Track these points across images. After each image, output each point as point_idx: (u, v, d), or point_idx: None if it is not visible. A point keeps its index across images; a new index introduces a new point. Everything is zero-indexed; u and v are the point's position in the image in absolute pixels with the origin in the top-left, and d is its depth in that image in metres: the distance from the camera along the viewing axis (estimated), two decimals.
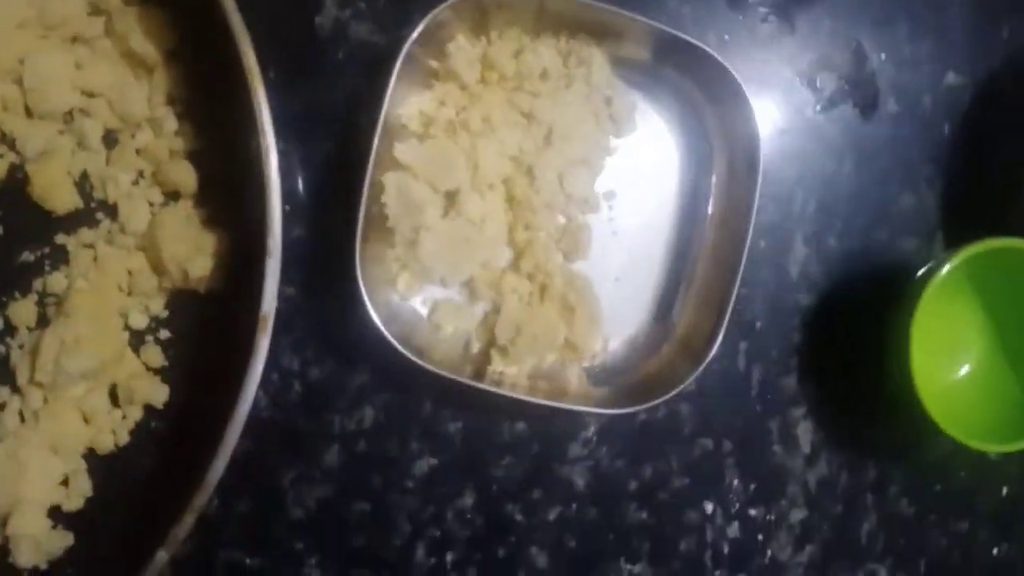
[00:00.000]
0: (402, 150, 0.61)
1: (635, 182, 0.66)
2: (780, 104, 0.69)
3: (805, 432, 0.69)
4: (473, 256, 0.63)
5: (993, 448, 0.66)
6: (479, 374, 0.63)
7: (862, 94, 0.70)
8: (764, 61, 0.69)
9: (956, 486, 0.71)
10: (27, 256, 0.61)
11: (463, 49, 0.62)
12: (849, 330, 0.69)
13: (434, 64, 0.62)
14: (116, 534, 0.59)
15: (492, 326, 0.63)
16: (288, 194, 0.63)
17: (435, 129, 0.62)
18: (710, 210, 0.66)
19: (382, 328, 0.58)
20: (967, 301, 0.69)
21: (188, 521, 0.53)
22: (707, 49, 0.60)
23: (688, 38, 0.60)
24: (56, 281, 0.61)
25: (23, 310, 0.60)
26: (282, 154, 0.62)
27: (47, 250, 0.62)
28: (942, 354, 0.69)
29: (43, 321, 0.61)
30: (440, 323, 0.64)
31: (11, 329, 0.61)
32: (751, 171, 0.62)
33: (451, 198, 0.63)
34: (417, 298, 0.64)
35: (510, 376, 0.63)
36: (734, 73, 0.61)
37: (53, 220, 0.62)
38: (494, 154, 0.63)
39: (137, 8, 0.61)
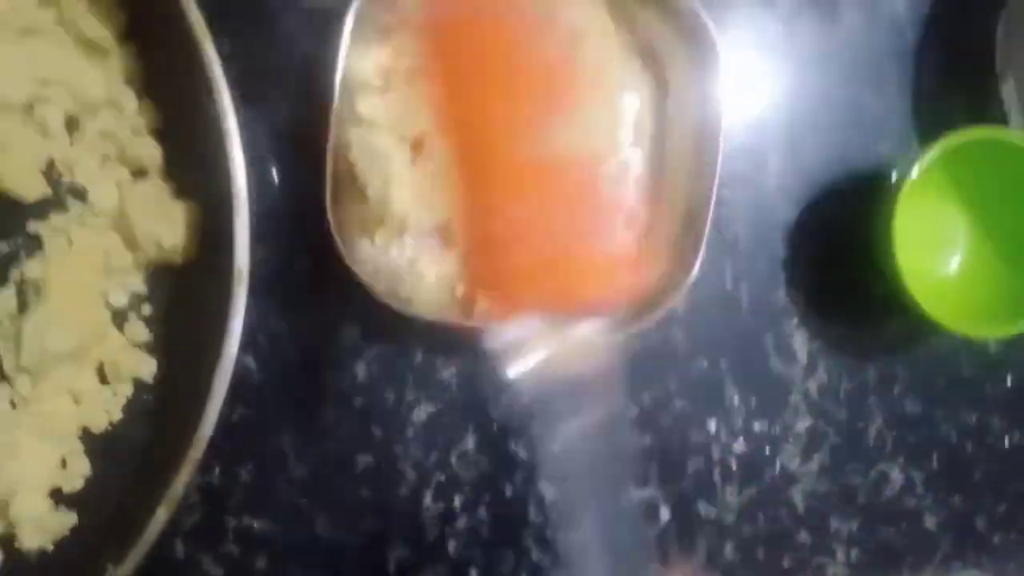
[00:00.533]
0: (364, 104, 0.60)
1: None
2: (740, 21, 0.69)
3: (800, 342, 0.68)
4: (445, 198, 0.62)
5: (991, 334, 0.65)
6: (467, 316, 0.62)
7: (822, 6, 0.69)
8: None
9: (960, 379, 0.70)
10: (1, 247, 0.61)
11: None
12: (834, 238, 0.69)
13: (387, 17, 0.62)
14: (118, 508, 0.59)
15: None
16: (255, 162, 0.63)
17: (395, 80, 0.62)
18: (680, 133, 0.65)
19: (365, 280, 0.58)
20: (950, 195, 0.68)
21: (185, 473, 0.52)
22: None
23: None
24: (33, 268, 0.61)
25: (2, 300, 0.60)
26: (245, 126, 0.62)
27: (20, 239, 0.61)
28: (930, 249, 0.69)
29: (24, 309, 0.60)
30: (421, 271, 0.63)
31: None
32: (713, 87, 0.61)
33: (418, 145, 0.62)
34: (395, 250, 0.63)
35: None
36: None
37: (23, 208, 0.61)
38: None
39: None
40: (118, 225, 0.61)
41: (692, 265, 0.60)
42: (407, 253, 0.63)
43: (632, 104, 0.65)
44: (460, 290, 0.64)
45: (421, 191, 0.61)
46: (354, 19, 0.58)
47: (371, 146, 0.60)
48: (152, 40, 0.62)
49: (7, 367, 0.60)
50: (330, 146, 0.58)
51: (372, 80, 0.62)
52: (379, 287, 0.59)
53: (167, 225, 0.60)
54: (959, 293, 0.67)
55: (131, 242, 0.61)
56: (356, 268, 0.58)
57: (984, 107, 0.68)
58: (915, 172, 0.62)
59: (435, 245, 0.64)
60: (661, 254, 0.64)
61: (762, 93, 0.69)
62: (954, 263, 0.69)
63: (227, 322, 0.54)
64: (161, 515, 0.52)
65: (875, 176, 0.68)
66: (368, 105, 0.61)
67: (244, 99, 0.62)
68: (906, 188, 0.62)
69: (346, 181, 0.61)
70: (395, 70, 0.62)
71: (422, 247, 0.63)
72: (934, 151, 0.62)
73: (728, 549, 0.68)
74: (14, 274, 0.61)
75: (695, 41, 0.62)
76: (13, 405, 0.59)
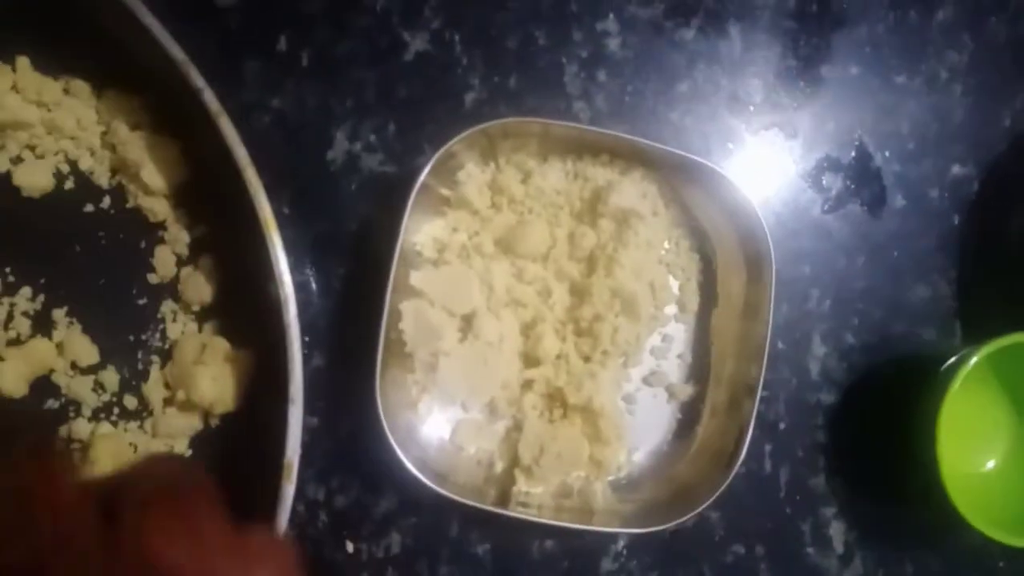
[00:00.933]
0: (417, 277, 0.61)
1: None
2: (788, 206, 0.69)
3: (837, 531, 0.68)
4: (492, 377, 0.63)
5: (1021, 543, 0.64)
6: (504, 494, 0.63)
7: (868, 191, 0.70)
8: (769, 165, 0.69)
9: (994, 574, 0.69)
10: (51, 403, 0.62)
11: (473, 177, 0.62)
12: (874, 425, 0.69)
13: (445, 192, 0.63)
14: None
15: (515, 444, 0.63)
16: (308, 324, 0.64)
17: (449, 255, 0.63)
18: (727, 316, 0.66)
19: (402, 457, 0.58)
20: (992, 393, 0.68)
21: None
22: (710, 164, 0.61)
23: (693, 157, 0.61)
24: (80, 427, 0.61)
25: None
26: (299, 286, 0.63)
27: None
28: (969, 447, 0.68)
29: None
30: (462, 444, 0.64)
31: None
32: (764, 273, 0.62)
33: (468, 321, 0.63)
34: (439, 420, 0.64)
35: (536, 495, 0.63)
36: (737, 185, 0.61)
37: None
38: (508, 275, 0.63)
39: (147, 139, 0.62)
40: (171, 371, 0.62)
41: (738, 451, 0.61)
42: (450, 424, 0.64)
43: (677, 280, 0.66)
44: (499, 467, 0.64)
45: (469, 368, 0.62)
46: (418, 190, 0.59)
47: (422, 319, 0.61)
48: (212, 200, 0.63)
49: None
50: (385, 315, 0.59)
51: (427, 252, 0.63)
52: (415, 456, 0.59)
53: (220, 383, 0.61)
54: (994, 494, 0.67)
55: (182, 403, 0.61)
56: (394, 440, 0.58)
57: None
58: (966, 368, 0.62)
59: (478, 418, 0.64)
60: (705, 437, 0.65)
61: (806, 275, 0.69)
62: (991, 463, 0.69)
63: (275, 512, 0.54)
64: None
65: (917, 363, 0.68)
66: (421, 278, 0.61)
67: (299, 259, 0.64)
68: (955, 384, 0.61)
69: (395, 348, 0.61)
70: (449, 245, 0.63)
71: (465, 419, 0.64)
72: (986, 349, 0.62)
73: None
74: (62, 432, 0.61)
75: (744, 225, 0.63)
76: None
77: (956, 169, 0.71)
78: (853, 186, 0.70)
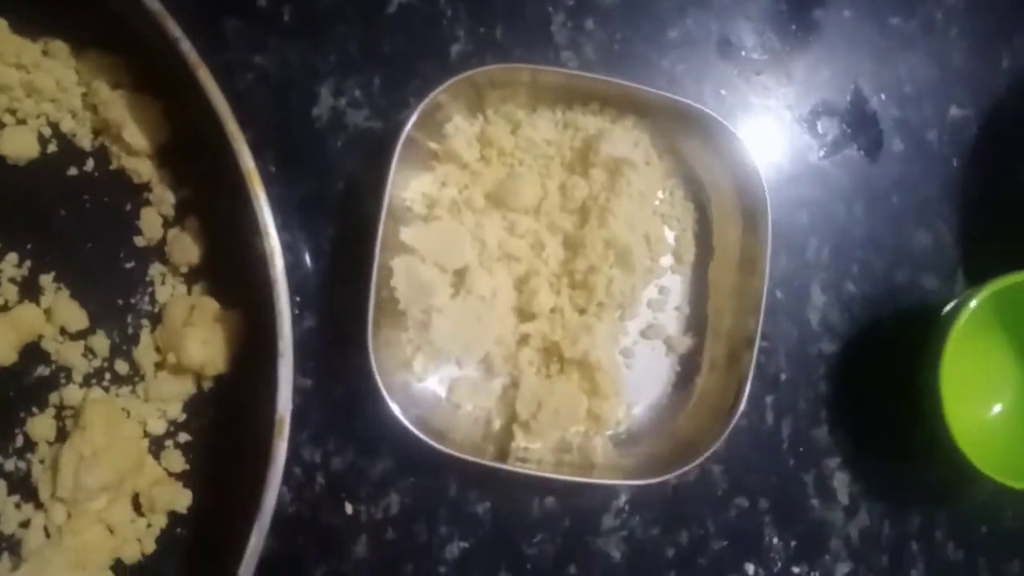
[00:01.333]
0: (408, 233, 0.60)
1: None
2: (784, 153, 0.68)
3: (842, 483, 0.67)
4: (486, 333, 0.61)
5: None
6: (503, 451, 0.61)
7: (865, 136, 0.68)
8: (763, 111, 0.68)
9: (1003, 527, 0.68)
10: (42, 371, 0.61)
11: (461, 129, 0.61)
12: (877, 375, 0.67)
13: (433, 146, 0.62)
14: None
15: (512, 401, 0.62)
16: (298, 285, 0.63)
17: (439, 210, 0.62)
18: (724, 267, 0.64)
19: (399, 415, 0.57)
20: (996, 337, 0.67)
21: None
22: (705, 109, 0.60)
23: (686, 101, 0.60)
24: (71, 393, 0.60)
25: (41, 425, 0.59)
26: (288, 246, 0.63)
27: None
28: (974, 392, 0.66)
29: (62, 435, 0.60)
30: (459, 402, 0.63)
31: (31, 445, 0.60)
32: (760, 223, 0.61)
33: (460, 276, 0.62)
34: (434, 378, 0.63)
35: (535, 451, 0.61)
36: (733, 130, 0.60)
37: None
38: (499, 229, 0.62)
39: (128, 99, 0.61)
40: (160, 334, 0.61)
41: (737, 403, 0.59)
42: (445, 382, 0.63)
43: (673, 231, 0.65)
44: (497, 424, 0.63)
45: (463, 324, 0.61)
46: (403, 144, 0.58)
47: (414, 275, 0.60)
48: (196, 159, 0.62)
49: (43, 496, 0.59)
50: (374, 273, 0.58)
51: (416, 208, 0.62)
52: (412, 416, 0.58)
53: (209, 344, 0.60)
54: (1002, 440, 0.65)
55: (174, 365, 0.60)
56: (390, 398, 0.57)
57: None
58: (965, 312, 0.60)
59: (474, 376, 0.63)
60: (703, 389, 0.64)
61: (804, 224, 0.68)
62: (997, 408, 0.67)
63: (267, 471, 0.53)
64: None
65: (920, 311, 0.66)
66: (412, 234, 0.60)
67: (287, 219, 0.63)
68: (956, 329, 0.60)
69: (387, 307, 0.60)
70: (439, 200, 0.62)
71: (460, 377, 0.63)
72: (986, 291, 0.61)
73: None
74: (53, 398, 0.60)
75: (740, 174, 0.62)
76: (47, 534, 0.59)
77: (954, 111, 0.69)
78: (850, 131, 0.68)
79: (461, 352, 0.62)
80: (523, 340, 0.63)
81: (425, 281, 0.60)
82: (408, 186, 0.62)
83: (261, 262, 0.54)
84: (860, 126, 0.68)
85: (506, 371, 0.63)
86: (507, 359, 0.63)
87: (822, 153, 0.68)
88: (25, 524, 0.59)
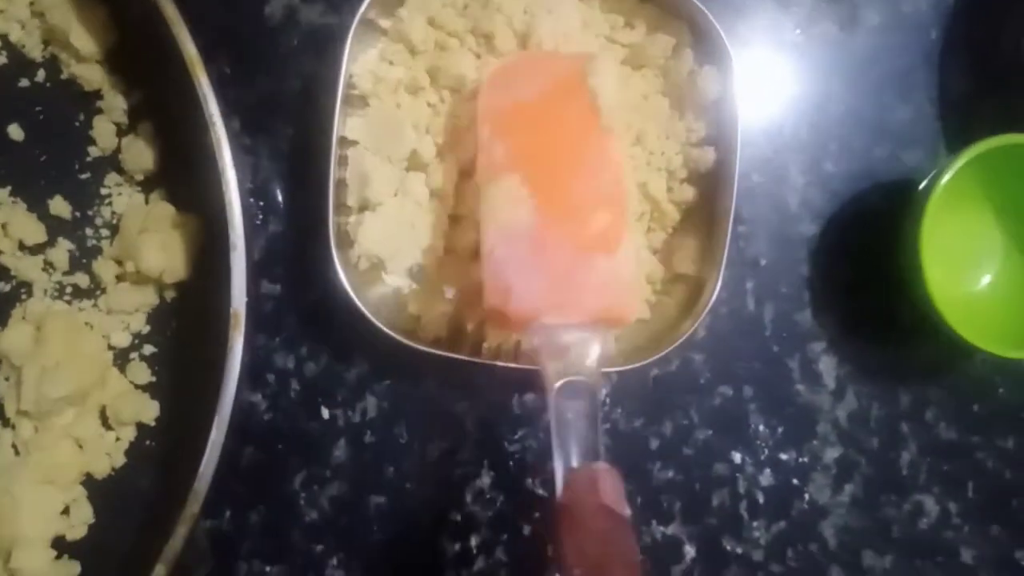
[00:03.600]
0: (349, 125, 0.56)
1: None
2: (756, 30, 0.64)
3: (828, 366, 0.63)
4: (414, 242, 0.58)
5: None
6: (476, 347, 0.58)
7: (840, 9, 0.64)
8: None
9: (997, 403, 0.64)
10: (2, 286, 0.58)
11: (415, 12, 0.57)
12: (860, 255, 0.64)
13: (384, 23, 0.57)
14: (121, 556, 0.56)
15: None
16: (259, 189, 0.60)
17: (383, 89, 0.57)
18: (695, 149, 0.60)
19: (369, 315, 0.54)
20: (979, 206, 0.63)
21: (181, 533, 0.49)
22: None
23: None
24: (33, 307, 0.58)
25: (4, 341, 0.56)
26: (247, 149, 0.60)
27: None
28: (960, 264, 0.63)
29: (26, 350, 0.57)
30: (405, 305, 0.59)
31: None
32: (730, 101, 0.57)
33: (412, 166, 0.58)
34: (396, 275, 0.59)
35: (508, 349, 0.58)
36: (701, 6, 0.55)
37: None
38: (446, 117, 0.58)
39: (74, 4, 0.57)
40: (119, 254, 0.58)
41: (712, 285, 0.56)
42: (400, 290, 0.59)
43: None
44: (470, 326, 0.59)
45: (395, 225, 0.57)
46: (354, 32, 0.54)
47: (357, 167, 0.56)
48: (144, 59, 0.58)
49: (9, 412, 0.56)
50: (332, 171, 0.54)
51: (362, 87, 0.57)
52: (384, 316, 0.55)
53: (168, 250, 0.57)
54: (991, 311, 0.62)
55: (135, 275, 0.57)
56: (358, 299, 0.54)
57: (1019, 111, 0.62)
58: (942, 181, 0.57)
59: (423, 286, 0.59)
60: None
61: (781, 102, 0.64)
62: (985, 280, 0.63)
63: (224, 363, 0.50)
64: (159, 572, 0.48)
65: (902, 187, 0.62)
66: (353, 125, 0.56)
67: (246, 122, 0.59)
68: (934, 199, 0.56)
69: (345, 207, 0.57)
70: (384, 79, 0.57)
71: (404, 284, 0.59)
72: (962, 159, 0.57)
73: None
74: (16, 313, 0.58)
75: (708, 47, 0.58)
76: (16, 451, 0.56)
77: None
78: (823, 5, 0.64)
79: (388, 259, 0.57)
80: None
81: (366, 173, 0.56)
82: (356, 62, 0.57)
83: (211, 156, 0.51)
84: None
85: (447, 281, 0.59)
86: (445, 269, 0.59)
87: (797, 31, 0.64)
88: None
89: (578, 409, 0.47)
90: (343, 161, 0.55)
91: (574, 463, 0.46)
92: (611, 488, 0.46)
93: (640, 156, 0.59)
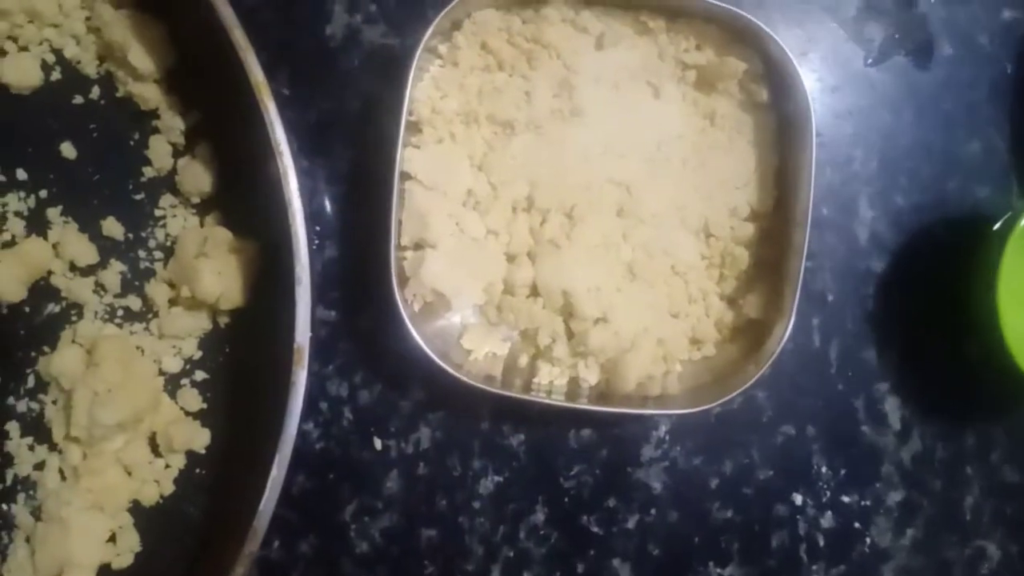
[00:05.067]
0: (407, 159, 0.53)
1: None
2: (828, 60, 0.61)
3: (893, 407, 0.61)
4: (475, 278, 0.55)
5: None
6: (526, 384, 0.56)
7: (914, 40, 0.61)
8: (806, 16, 0.61)
9: None
10: (52, 308, 0.55)
11: (469, 35, 0.55)
12: (928, 291, 0.61)
13: (441, 49, 0.55)
14: None
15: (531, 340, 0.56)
16: (316, 213, 0.57)
17: (440, 122, 0.55)
18: (768, 184, 0.58)
19: (424, 346, 0.51)
20: None
21: (240, 571, 0.46)
22: (744, 15, 0.53)
23: (722, 5, 0.53)
24: (85, 329, 0.55)
25: (53, 364, 0.54)
26: (306, 173, 0.57)
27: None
28: None
29: (76, 374, 0.54)
30: (470, 347, 0.56)
31: (43, 385, 0.55)
32: (804, 134, 0.54)
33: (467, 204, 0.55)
34: (462, 311, 0.56)
35: (560, 385, 0.56)
36: (773, 35, 0.53)
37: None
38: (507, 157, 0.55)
39: (132, 22, 0.54)
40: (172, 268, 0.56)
41: (784, 325, 0.53)
42: (456, 324, 0.57)
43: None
44: (524, 361, 0.57)
45: (454, 263, 0.54)
46: (419, 60, 0.51)
47: (414, 204, 0.53)
48: (206, 80, 0.56)
49: (57, 437, 0.54)
50: (394, 199, 0.52)
51: (421, 115, 0.55)
52: (438, 348, 0.52)
53: (224, 276, 0.54)
54: None
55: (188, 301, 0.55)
56: (415, 330, 0.51)
57: None
58: (1020, 228, 0.54)
59: (481, 322, 0.57)
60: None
61: (851, 135, 0.61)
62: None
63: (286, 402, 0.47)
64: None
65: (972, 223, 0.60)
66: (410, 159, 0.53)
67: (305, 145, 0.57)
68: (1013, 240, 0.54)
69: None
70: (440, 110, 0.55)
71: (468, 322, 0.57)
72: None
73: None
74: (65, 335, 0.55)
75: (779, 76, 0.55)
76: (63, 476, 0.54)
77: (1007, 14, 0.62)
78: (897, 35, 0.61)
79: (451, 296, 0.54)
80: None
81: (423, 214, 0.53)
82: (416, 87, 0.54)
83: (275, 185, 0.48)
84: (908, 29, 0.61)
85: (510, 321, 0.56)
86: (511, 309, 0.56)
87: (869, 60, 0.61)
88: (40, 466, 0.54)
89: None
90: (399, 196, 0.53)
91: None
92: None
93: (702, 190, 0.56)
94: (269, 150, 0.48)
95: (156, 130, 0.56)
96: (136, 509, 0.55)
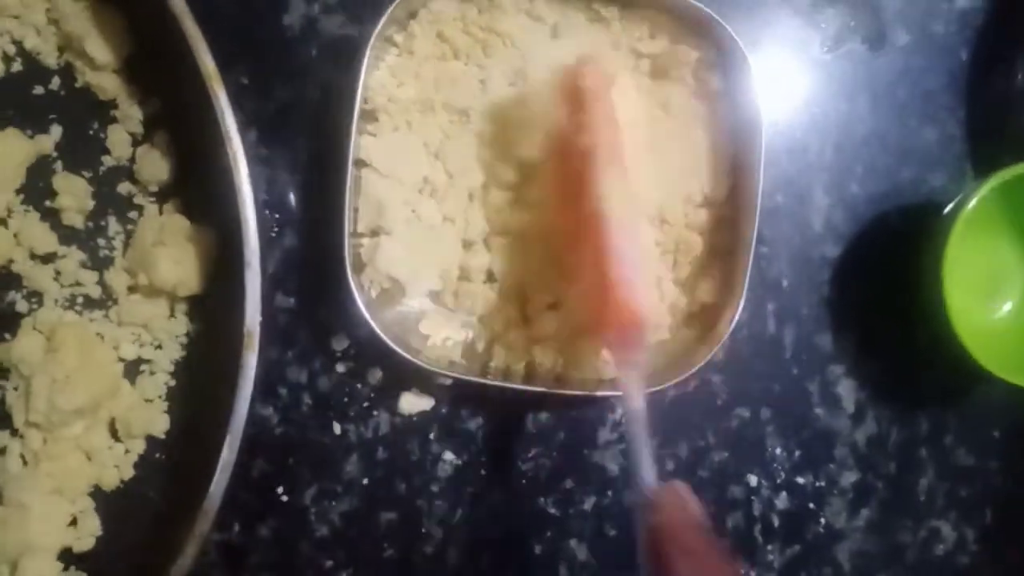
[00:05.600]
0: (362, 147, 0.54)
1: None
2: (782, 48, 0.61)
3: (847, 390, 0.61)
4: (431, 265, 0.55)
5: None
6: (484, 368, 0.56)
7: (869, 28, 0.61)
8: (761, 4, 0.61)
9: (1015, 428, 0.62)
10: (12, 296, 0.56)
11: (425, 24, 0.55)
12: (883, 278, 0.61)
13: (398, 38, 0.55)
14: (128, 569, 0.54)
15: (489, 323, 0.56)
16: (276, 202, 0.58)
17: (395, 109, 0.55)
18: (721, 171, 0.58)
19: (380, 333, 0.52)
20: (1004, 232, 0.61)
21: (190, 551, 0.47)
22: (696, 3, 0.54)
23: None
24: (44, 317, 0.55)
25: (13, 351, 0.54)
26: (264, 161, 0.57)
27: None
28: (982, 291, 0.61)
29: (35, 361, 0.55)
30: (428, 332, 0.57)
31: (3, 371, 0.55)
32: (755, 123, 0.54)
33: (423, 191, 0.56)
34: (418, 297, 0.57)
35: (518, 369, 0.56)
36: (724, 24, 0.53)
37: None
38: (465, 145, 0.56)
39: (91, 13, 0.55)
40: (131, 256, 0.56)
41: (732, 312, 0.54)
42: (415, 310, 0.57)
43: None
44: (481, 346, 0.57)
45: (410, 250, 0.54)
46: (372, 48, 0.52)
47: (371, 191, 0.54)
48: (162, 70, 0.56)
49: (18, 423, 0.54)
50: (348, 187, 0.52)
51: (376, 102, 0.55)
52: (395, 335, 0.53)
53: (181, 263, 0.54)
54: (1012, 339, 0.60)
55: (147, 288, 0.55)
56: (371, 317, 0.52)
57: None
58: (967, 208, 0.54)
59: (438, 308, 0.57)
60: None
61: (807, 123, 0.61)
62: (1007, 307, 0.61)
63: (236, 382, 0.48)
64: None
65: (927, 210, 0.60)
66: (366, 147, 0.54)
67: (264, 133, 0.57)
68: (958, 225, 0.54)
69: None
70: (397, 97, 0.55)
71: (426, 308, 0.57)
72: (987, 185, 0.55)
73: None
74: (26, 323, 0.56)
75: (730, 63, 0.55)
76: (24, 461, 0.54)
77: (962, 2, 0.62)
78: (852, 23, 0.61)
79: (405, 283, 0.55)
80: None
81: (379, 201, 0.54)
82: (372, 76, 0.55)
83: (226, 170, 0.49)
84: (863, 17, 0.61)
85: (464, 307, 0.57)
86: (460, 295, 0.57)
87: (824, 48, 0.61)
88: (1, 451, 0.54)
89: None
90: (356, 183, 0.53)
91: (653, 481, 0.47)
92: (697, 503, 0.46)
93: (656, 177, 0.57)
94: (220, 137, 0.48)
95: (115, 120, 0.57)
96: (97, 493, 0.55)
